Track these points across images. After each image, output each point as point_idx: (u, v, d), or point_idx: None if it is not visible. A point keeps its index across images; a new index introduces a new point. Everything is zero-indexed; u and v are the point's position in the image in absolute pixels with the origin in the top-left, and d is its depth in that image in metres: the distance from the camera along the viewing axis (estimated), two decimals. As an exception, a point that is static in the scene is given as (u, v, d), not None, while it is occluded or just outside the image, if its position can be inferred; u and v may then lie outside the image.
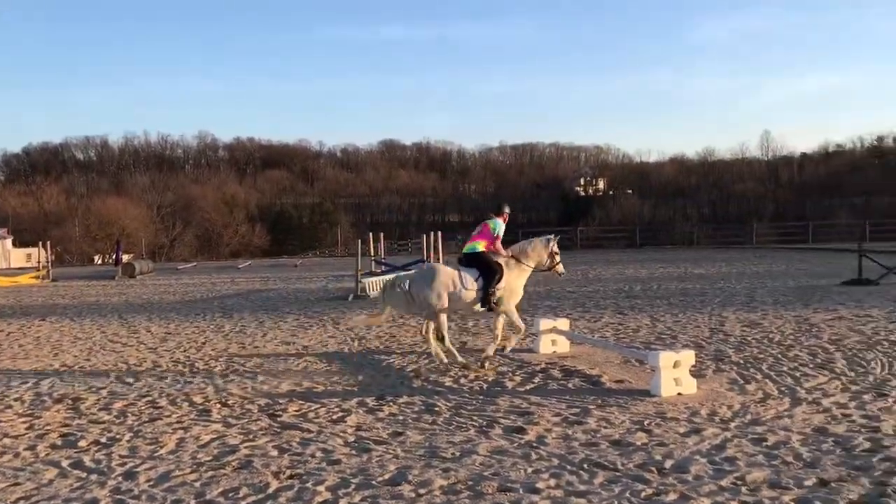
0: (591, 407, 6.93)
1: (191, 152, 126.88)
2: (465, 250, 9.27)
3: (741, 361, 8.89)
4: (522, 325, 9.31)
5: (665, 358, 7.24)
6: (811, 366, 8.51)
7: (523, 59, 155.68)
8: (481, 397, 7.46)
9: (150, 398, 7.91)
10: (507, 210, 9.46)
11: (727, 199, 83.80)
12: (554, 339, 9.94)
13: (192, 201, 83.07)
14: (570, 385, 7.95)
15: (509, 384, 8.06)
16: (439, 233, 25.15)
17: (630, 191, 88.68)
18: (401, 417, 6.78)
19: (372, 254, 26.71)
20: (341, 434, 6.28)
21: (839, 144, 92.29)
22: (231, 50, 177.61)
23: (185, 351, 11.12)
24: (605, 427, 6.24)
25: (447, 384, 8.13)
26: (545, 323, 9.99)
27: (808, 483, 4.77)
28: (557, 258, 9.48)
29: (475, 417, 6.68)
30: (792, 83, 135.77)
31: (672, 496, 4.64)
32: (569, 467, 5.23)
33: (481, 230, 9.26)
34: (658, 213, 76.61)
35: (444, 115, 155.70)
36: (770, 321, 12.15)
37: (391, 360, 9.72)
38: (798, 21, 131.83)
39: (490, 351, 9.10)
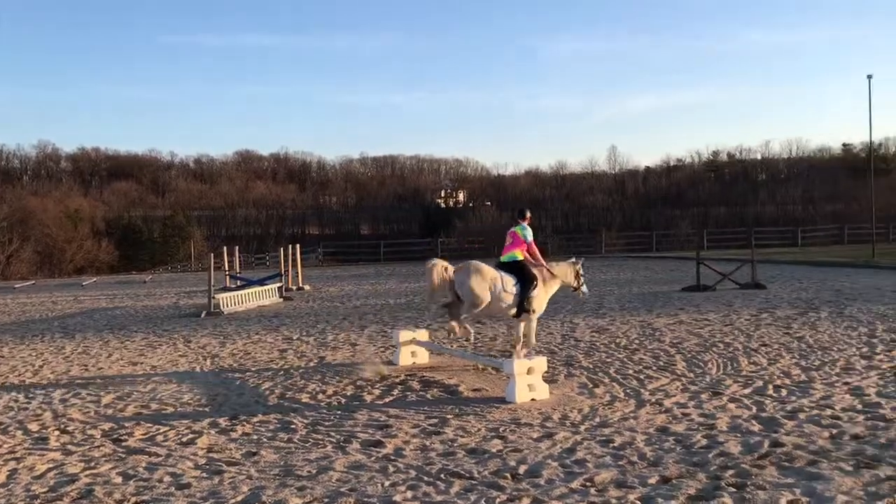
0: (449, 416, 7.00)
1: (29, 163, 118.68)
2: (504, 259, 9.36)
3: (590, 366, 9.27)
4: (535, 342, 9.56)
5: (519, 365, 7.43)
6: (654, 368, 8.99)
7: (384, 71, 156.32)
8: (339, 412, 7.37)
9: (-24, 429, 7.28)
10: (528, 214, 9.57)
11: (578, 210, 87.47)
12: (413, 350, 9.98)
13: (31, 215, 77.50)
14: (428, 396, 8.00)
15: (368, 398, 8.01)
16: (297, 246, 24.75)
17: (489, 202, 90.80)
18: (255, 437, 6.58)
19: (226, 268, 25.92)
20: (192, 457, 6.02)
21: (679, 159, 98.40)
22: (71, 57, 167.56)
23: (19, 375, 10.32)
24: (462, 436, 6.31)
25: (304, 400, 7.98)
26: (404, 334, 10.01)
27: (651, 481, 5.01)
28: (582, 279, 9.81)
29: (332, 433, 6.58)
30: (636, 101, 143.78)
31: (525, 501, 4.74)
32: (426, 478, 5.25)
33: (513, 240, 9.38)
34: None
35: (303, 126, 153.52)
36: (617, 326, 12.74)
37: (245, 378, 9.44)
38: (641, 43, 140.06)
39: (522, 352, 9.17)
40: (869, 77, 32.27)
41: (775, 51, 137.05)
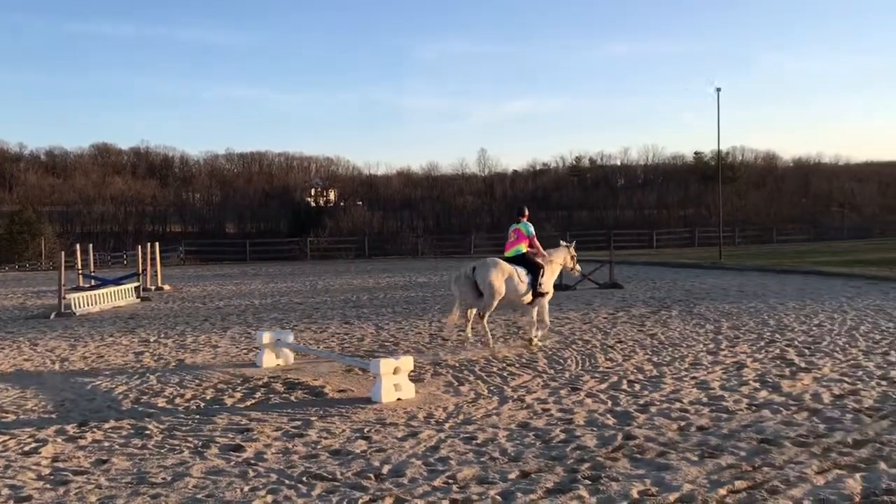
0: (313, 418, 6.89)
1: None
2: (509, 254, 10.64)
3: (456, 364, 9.38)
4: (548, 323, 11.01)
5: (385, 365, 7.41)
6: (517, 365, 9.21)
7: (250, 65, 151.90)
8: (198, 417, 7.10)
9: None
10: (527, 211, 10.96)
11: (449, 211, 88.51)
12: (278, 351, 9.76)
13: None
14: (292, 398, 7.85)
15: (229, 401, 7.76)
16: (157, 244, 23.71)
17: (360, 202, 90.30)
18: (106, 444, 6.24)
19: (80, 267, 24.50)
20: (34, 467, 5.62)
21: (545, 163, 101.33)
22: None
23: None
24: (326, 437, 6.23)
25: (160, 405, 7.64)
26: (268, 336, 9.77)
27: (511, 476, 5.12)
28: (575, 260, 11.39)
29: (190, 438, 6.33)
30: (505, 105, 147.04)
31: (388, 500, 4.73)
32: (287, 482, 5.14)
33: (517, 236, 10.70)
34: (386, 225, 78.94)
35: (163, 119, 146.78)
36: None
37: (97, 383, 8.93)
38: (511, 49, 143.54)
39: (538, 333, 10.70)
40: (718, 90, 34.57)
41: (635, 62, 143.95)
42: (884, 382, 7.72)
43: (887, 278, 19.41)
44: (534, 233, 10.73)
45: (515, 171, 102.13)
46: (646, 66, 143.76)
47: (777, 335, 11.00)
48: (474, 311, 10.31)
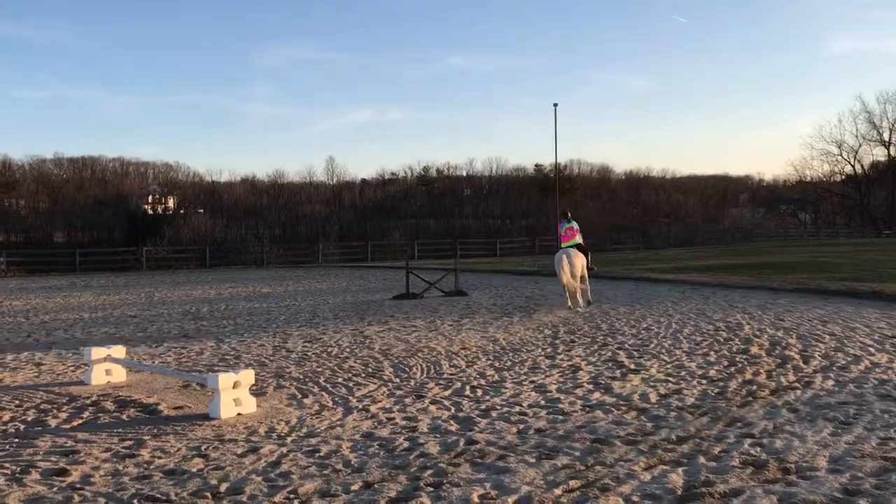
0: (147, 437, 6.55)
1: None
2: (570, 244, 15.94)
3: (301, 376, 9.23)
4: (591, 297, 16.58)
5: (224, 379, 7.17)
6: (363, 375, 9.18)
7: (74, 65, 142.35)
8: (17, 440, 6.56)
9: None
10: (569, 213, 16.99)
11: (297, 219, 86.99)
12: (108, 368, 9.21)
13: None
14: (124, 416, 7.43)
15: (53, 422, 7.24)
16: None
17: (201, 210, 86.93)
18: None
19: None
20: None
21: (394, 172, 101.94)
22: None
23: None
24: (160, 457, 5.93)
25: (-27, 430, 6.99)
26: (97, 351, 9.18)
27: (354, 487, 5.09)
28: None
29: (7, 464, 5.84)
30: (353, 114, 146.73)
31: (225, 520, 4.57)
32: (116, 506, 4.85)
33: (572, 232, 16.19)
34: (230, 233, 76.38)
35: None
36: (330, 335, 12.85)
37: None
38: (350, 59, 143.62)
39: (583, 300, 16.01)
40: (555, 105, 36.40)
41: (473, 75, 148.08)
42: (704, 381, 8.32)
43: (707, 283, 20.98)
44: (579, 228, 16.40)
45: (364, 180, 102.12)
46: (484, 79, 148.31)
47: (609, 338, 11.60)
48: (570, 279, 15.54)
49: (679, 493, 4.83)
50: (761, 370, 8.83)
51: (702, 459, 5.50)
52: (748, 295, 17.73)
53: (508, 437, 6.25)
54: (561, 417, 6.86)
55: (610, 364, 9.53)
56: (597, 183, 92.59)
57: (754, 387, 7.95)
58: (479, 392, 8.06)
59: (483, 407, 7.35)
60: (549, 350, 10.73)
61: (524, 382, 8.50)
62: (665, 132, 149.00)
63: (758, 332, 11.71)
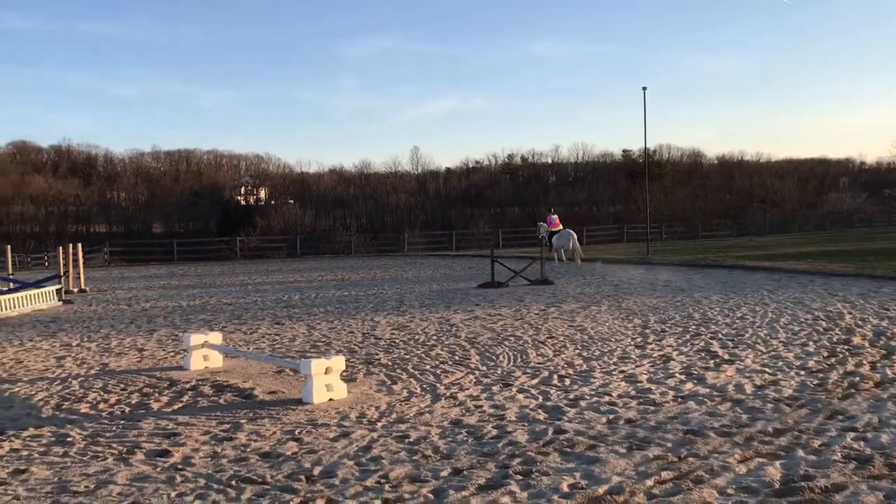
0: (243, 421, 6.77)
1: None
2: (559, 228, 28.08)
3: (389, 363, 9.36)
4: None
5: (316, 365, 7.33)
6: (450, 363, 9.24)
7: (176, 63, 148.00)
8: (122, 422, 6.90)
9: None
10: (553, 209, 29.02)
11: (383, 209, 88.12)
12: (206, 354, 9.56)
13: None
14: (221, 401, 7.70)
15: (155, 406, 7.57)
16: (80, 244, 22.96)
17: (291, 200, 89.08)
18: (25, 453, 6.01)
19: (-3, 269, 23.55)
20: (-56, 481, 5.37)
21: (477, 161, 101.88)
22: None
23: None
24: (256, 440, 6.13)
25: (83, 411, 7.40)
26: (196, 338, 9.55)
27: (443, 473, 5.13)
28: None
29: (114, 445, 6.15)
30: (437, 103, 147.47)
31: (319, 502, 4.68)
32: (216, 486, 5.04)
33: (556, 220, 28.47)
34: (319, 223, 78.05)
35: (86, 116, 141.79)
36: (416, 323, 12.98)
37: (15, 389, 8.60)
38: (432, 49, 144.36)
39: (579, 261, 25.87)
40: (644, 89, 35.18)
41: (563, 62, 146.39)
42: (802, 372, 8.02)
43: (806, 271, 20.17)
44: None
45: (448, 169, 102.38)
46: (568, 65, 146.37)
47: (702, 328, 11.31)
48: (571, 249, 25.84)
49: (776, 486, 4.67)
50: (864, 361, 8.44)
51: (800, 453, 5.30)
52: (849, 283, 16.95)
53: (598, 426, 6.17)
54: (652, 408, 6.73)
55: (703, 354, 9.29)
56: (688, 168, 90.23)
57: (857, 378, 7.61)
58: (567, 381, 7.99)
59: (571, 396, 7.28)
60: (638, 339, 10.53)
61: (613, 372, 8.38)
62: (758, 115, 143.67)
63: (860, 322, 11.19)
